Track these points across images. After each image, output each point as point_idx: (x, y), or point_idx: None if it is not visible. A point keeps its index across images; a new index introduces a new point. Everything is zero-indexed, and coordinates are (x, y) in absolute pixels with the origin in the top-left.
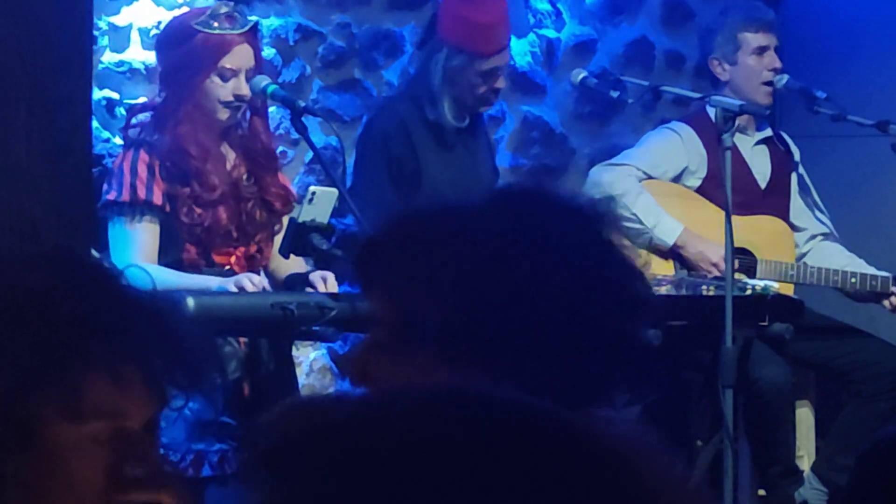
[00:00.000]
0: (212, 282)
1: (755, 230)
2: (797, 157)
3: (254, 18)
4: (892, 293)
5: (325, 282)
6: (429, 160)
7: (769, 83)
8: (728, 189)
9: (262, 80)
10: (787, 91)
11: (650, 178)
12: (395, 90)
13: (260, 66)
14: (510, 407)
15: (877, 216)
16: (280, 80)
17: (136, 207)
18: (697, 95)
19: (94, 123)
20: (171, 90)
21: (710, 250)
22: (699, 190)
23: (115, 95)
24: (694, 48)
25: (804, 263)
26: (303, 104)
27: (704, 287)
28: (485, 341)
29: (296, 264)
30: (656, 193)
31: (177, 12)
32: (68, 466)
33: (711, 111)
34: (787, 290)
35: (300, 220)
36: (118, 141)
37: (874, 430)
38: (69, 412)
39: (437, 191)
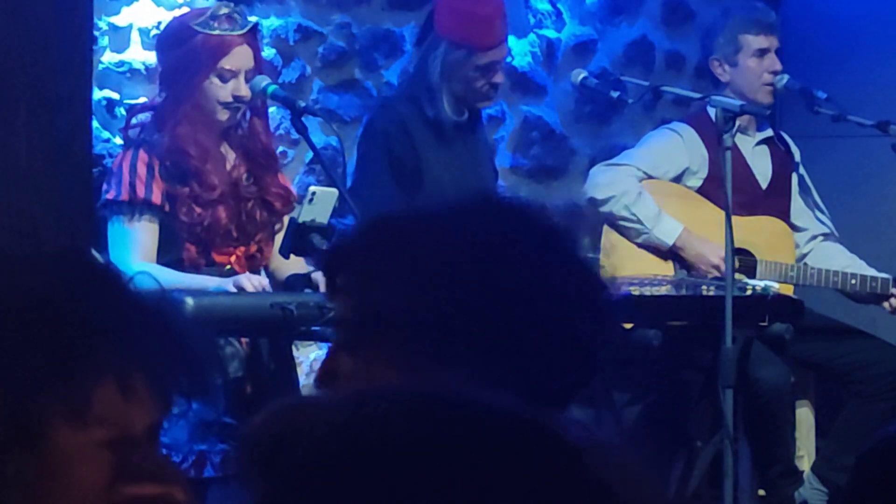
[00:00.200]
0: (210, 281)
1: (755, 231)
2: (798, 157)
3: (254, 19)
4: (892, 295)
5: None
6: (429, 158)
7: (769, 84)
8: (728, 189)
9: (263, 81)
10: (787, 91)
11: (650, 178)
12: (394, 90)
13: (260, 66)
14: (489, 406)
15: (877, 216)
16: (280, 81)
17: (135, 207)
18: (698, 96)
19: (94, 123)
20: (171, 90)
21: (710, 251)
22: (700, 190)
23: (115, 95)
24: (694, 48)
25: (804, 264)
26: (303, 104)
27: (704, 287)
28: (442, 343)
29: (296, 264)
30: (656, 193)
31: (177, 12)
32: (70, 470)
33: (712, 111)
34: (787, 290)
35: (300, 220)
36: (118, 141)
37: (874, 430)
38: (75, 419)
39: (439, 188)
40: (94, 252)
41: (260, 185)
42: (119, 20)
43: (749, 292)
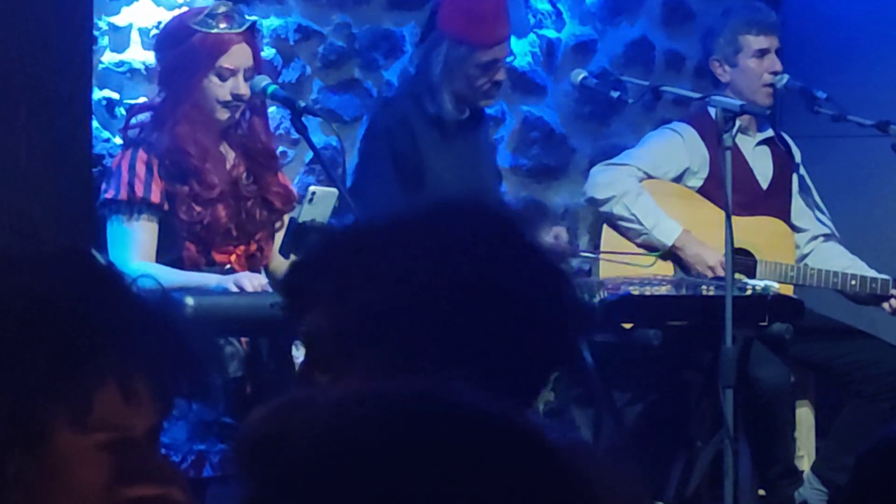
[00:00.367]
0: (210, 279)
1: (755, 231)
2: (798, 157)
3: (252, 18)
4: (892, 296)
5: None
6: (431, 156)
7: (770, 85)
8: (728, 189)
9: (263, 80)
10: (787, 91)
11: (651, 178)
12: (396, 89)
13: (258, 65)
14: (473, 408)
15: (877, 216)
16: (280, 80)
17: (134, 206)
18: (698, 96)
19: (94, 123)
20: (170, 90)
21: (708, 254)
22: (701, 190)
23: (115, 95)
24: (694, 48)
25: (804, 265)
26: (303, 104)
27: (704, 287)
28: (408, 348)
29: None
30: (656, 193)
31: (177, 12)
32: (70, 471)
33: (713, 111)
34: (787, 290)
35: (300, 220)
36: (118, 141)
37: (874, 430)
38: (76, 421)
39: (442, 186)
40: (94, 252)
41: (260, 184)
42: (119, 20)
43: (749, 292)
